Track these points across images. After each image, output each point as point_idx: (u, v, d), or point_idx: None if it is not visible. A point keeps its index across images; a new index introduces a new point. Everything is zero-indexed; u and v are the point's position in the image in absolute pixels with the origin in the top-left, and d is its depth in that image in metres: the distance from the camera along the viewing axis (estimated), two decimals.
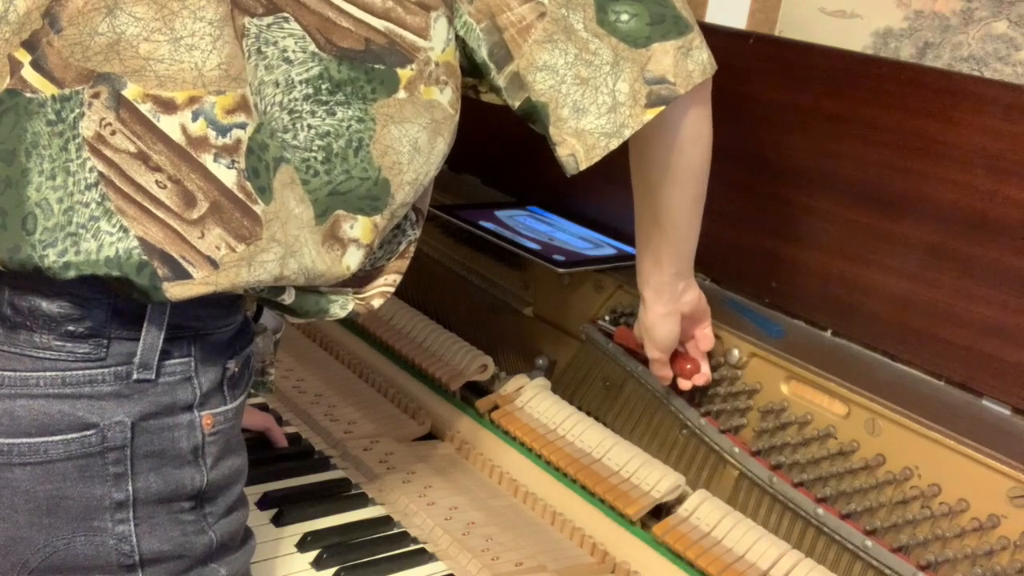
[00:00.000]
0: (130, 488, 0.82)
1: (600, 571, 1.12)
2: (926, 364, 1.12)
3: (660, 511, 1.17)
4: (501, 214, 1.51)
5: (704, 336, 1.17)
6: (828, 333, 1.21)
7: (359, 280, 0.92)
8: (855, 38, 1.34)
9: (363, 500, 1.19)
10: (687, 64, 0.90)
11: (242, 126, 0.78)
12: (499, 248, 1.43)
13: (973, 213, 1.07)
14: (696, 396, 1.22)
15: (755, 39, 1.27)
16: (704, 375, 1.18)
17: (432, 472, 1.25)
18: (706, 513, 1.12)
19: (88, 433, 0.79)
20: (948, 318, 1.10)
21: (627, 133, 0.90)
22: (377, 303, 0.92)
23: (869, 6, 1.33)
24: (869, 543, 1.02)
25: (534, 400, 1.32)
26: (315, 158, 0.83)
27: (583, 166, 0.90)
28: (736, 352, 1.19)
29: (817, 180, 1.20)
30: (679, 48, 0.90)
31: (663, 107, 0.90)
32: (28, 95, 0.76)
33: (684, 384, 1.18)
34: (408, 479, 1.23)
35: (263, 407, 1.34)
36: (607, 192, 1.46)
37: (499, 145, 1.63)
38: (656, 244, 1.07)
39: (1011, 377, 1.05)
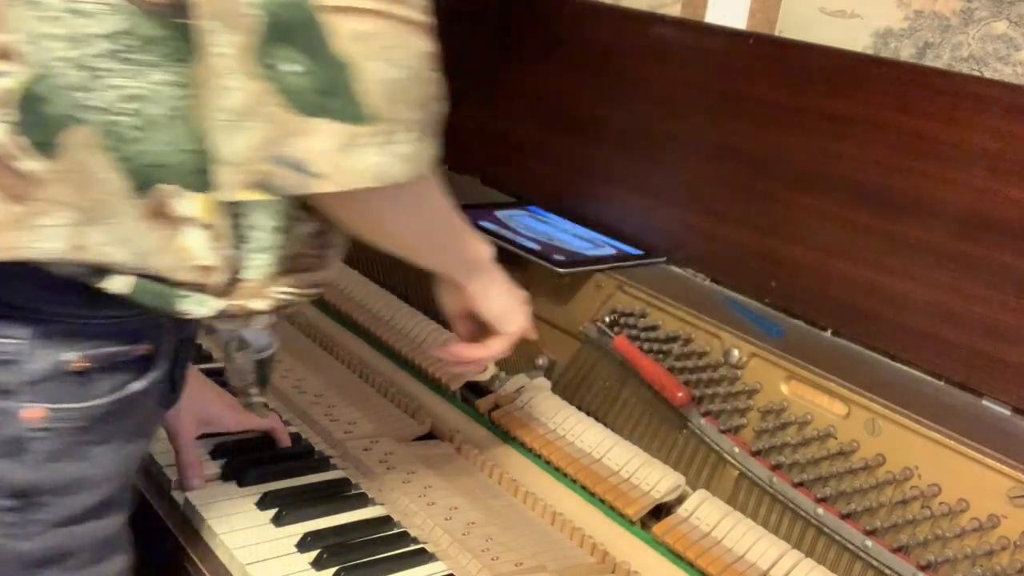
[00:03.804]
0: None
1: (600, 571, 1.12)
2: (926, 364, 1.12)
3: (660, 511, 1.17)
4: (501, 214, 1.51)
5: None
6: (828, 333, 1.21)
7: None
8: (855, 38, 1.33)
9: (363, 500, 1.19)
10: (346, 160, 0.71)
11: (4, 74, 0.72)
12: (499, 248, 1.43)
13: (973, 213, 1.07)
14: (696, 396, 1.22)
15: (755, 39, 1.28)
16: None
17: (432, 472, 1.25)
18: (706, 513, 1.12)
19: None
20: (948, 318, 1.10)
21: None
22: (258, 305, 0.80)
23: (869, 6, 1.33)
24: (869, 543, 1.02)
25: (534, 400, 1.32)
26: (124, 123, 0.74)
27: None
28: (736, 352, 1.19)
29: (817, 180, 1.20)
30: (340, 136, 0.71)
31: (268, 195, 0.73)
32: None
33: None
34: (408, 479, 1.23)
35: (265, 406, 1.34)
36: (607, 192, 1.46)
37: (499, 145, 1.63)
38: (433, 268, 1.00)
39: (1011, 377, 1.05)
